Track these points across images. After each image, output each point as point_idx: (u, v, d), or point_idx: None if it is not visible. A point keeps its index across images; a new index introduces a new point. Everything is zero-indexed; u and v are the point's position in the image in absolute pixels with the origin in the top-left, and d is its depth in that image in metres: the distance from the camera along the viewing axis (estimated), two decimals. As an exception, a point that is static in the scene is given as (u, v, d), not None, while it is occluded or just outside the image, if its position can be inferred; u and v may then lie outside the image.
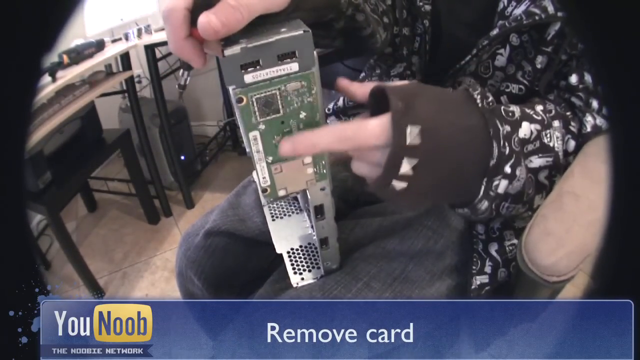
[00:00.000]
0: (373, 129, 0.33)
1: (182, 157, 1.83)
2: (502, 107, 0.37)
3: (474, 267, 0.48)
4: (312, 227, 0.55)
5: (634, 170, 0.12)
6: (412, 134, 0.31)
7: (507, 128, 0.35)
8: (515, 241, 0.47)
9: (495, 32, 0.47)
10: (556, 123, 0.40)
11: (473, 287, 0.48)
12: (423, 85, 0.35)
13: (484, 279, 0.48)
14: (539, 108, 0.41)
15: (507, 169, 0.35)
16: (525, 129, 0.38)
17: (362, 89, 0.40)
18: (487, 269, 0.48)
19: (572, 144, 0.41)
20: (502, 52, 0.50)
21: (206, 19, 0.28)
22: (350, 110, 0.65)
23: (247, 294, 0.64)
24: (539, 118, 0.40)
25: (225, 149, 2.26)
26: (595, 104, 0.42)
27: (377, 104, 0.35)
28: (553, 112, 0.42)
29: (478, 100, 0.35)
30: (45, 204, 1.21)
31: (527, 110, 0.39)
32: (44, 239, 1.67)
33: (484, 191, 0.35)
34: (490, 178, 0.35)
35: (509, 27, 0.46)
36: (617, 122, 0.12)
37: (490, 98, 0.36)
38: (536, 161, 0.39)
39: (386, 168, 0.32)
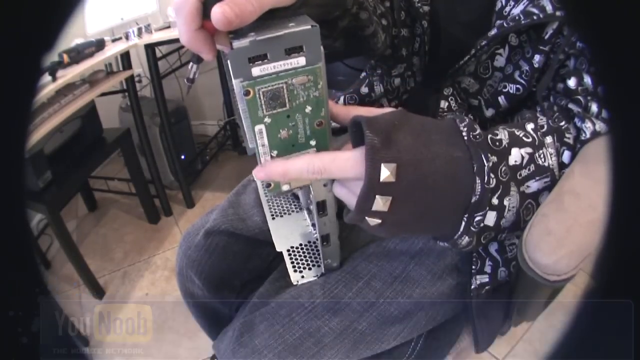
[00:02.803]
0: (345, 164, 0.34)
1: (183, 157, 1.82)
2: (490, 137, 0.36)
3: (473, 267, 0.48)
4: (313, 224, 0.55)
5: (635, 171, 0.12)
6: (387, 172, 0.31)
7: (494, 159, 0.34)
8: (515, 241, 0.47)
9: (493, 32, 0.47)
10: (549, 139, 0.39)
11: (473, 286, 0.48)
12: (408, 115, 0.35)
13: (484, 278, 0.48)
14: (530, 127, 0.40)
15: (494, 201, 0.35)
16: (516, 156, 0.37)
17: (343, 113, 0.40)
18: (487, 269, 0.48)
19: (567, 155, 0.39)
20: (501, 52, 0.50)
21: (220, 10, 0.29)
22: None
23: (247, 293, 0.64)
24: (530, 140, 0.38)
25: (225, 148, 2.26)
26: (594, 107, 0.41)
27: (358, 132, 0.35)
28: (545, 127, 0.40)
29: (464, 133, 0.34)
30: (45, 203, 1.20)
31: (517, 133, 0.38)
32: (44, 239, 1.67)
33: (464, 227, 0.35)
34: (471, 214, 0.34)
35: (507, 28, 0.45)
36: (618, 122, 0.12)
37: (478, 131, 0.35)
38: (534, 185, 0.38)
39: (358, 204, 0.32)
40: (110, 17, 1.61)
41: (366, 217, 0.33)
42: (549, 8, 0.42)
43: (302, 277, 0.50)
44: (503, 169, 0.35)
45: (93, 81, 1.39)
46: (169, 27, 1.66)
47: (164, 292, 1.44)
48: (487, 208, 0.34)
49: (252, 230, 0.60)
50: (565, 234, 0.35)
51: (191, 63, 0.41)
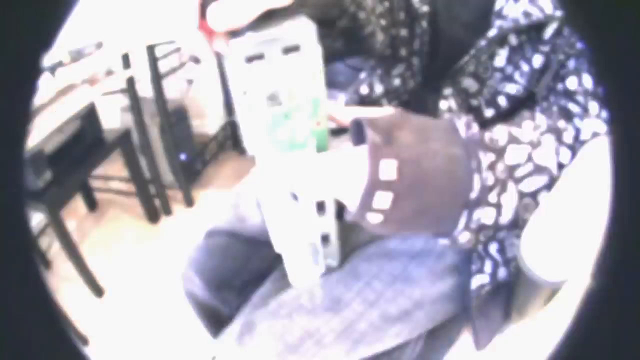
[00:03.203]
0: (346, 162, 0.34)
1: (183, 156, 1.82)
2: (487, 135, 0.36)
3: (473, 267, 0.49)
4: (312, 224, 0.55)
5: (635, 171, 0.12)
6: (388, 169, 0.31)
7: (492, 157, 0.35)
8: (515, 241, 0.47)
9: (493, 32, 0.47)
10: (547, 138, 0.39)
11: (473, 286, 0.48)
12: (407, 115, 0.35)
13: (484, 278, 0.48)
14: (528, 126, 0.39)
15: (492, 199, 0.35)
16: (513, 154, 0.37)
17: (342, 113, 0.40)
18: (487, 269, 0.48)
19: (567, 154, 0.39)
20: (500, 52, 0.50)
21: (215, 10, 0.29)
22: None
23: (248, 292, 0.64)
24: (527, 140, 0.38)
25: (225, 148, 2.26)
26: (594, 107, 0.41)
27: (359, 132, 0.35)
28: (543, 126, 0.40)
29: (461, 131, 0.35)
30: (45, 203, 1.21)
31: (515, 132, 0.38)
32: (44, 238, 1.67)
33: (464, 223, 0.35)
34: (471, 210, 0.34)
35: (506, 28, 0.45)
36: (618, 122, 0.12)
37: (475, 129, 0.35)
38: (532, 184, 0.37)
39: (360, 201, 0.32)
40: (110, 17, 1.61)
41: (368, 215, 0.33)
42: (548, 8, 0.42)
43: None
44: (500, 167, 0.35)
45: (93, 81, 1.39)
46: (169, 27, 1.66)
47: (164, 292, 1.44)
48: (486, 205, 0.35)
49: (252, 231, 0.60)
50: (565, 236, 0.35)
51: (190, 63, 0.41)
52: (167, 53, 1.77)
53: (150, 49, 1.51)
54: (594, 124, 0.40)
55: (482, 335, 0.50)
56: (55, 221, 1.25)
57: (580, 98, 0.42)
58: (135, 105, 1.54)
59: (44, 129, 1.15)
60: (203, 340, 1.24)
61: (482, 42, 0.48)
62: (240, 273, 0.64)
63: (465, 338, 0.56)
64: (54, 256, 1.64)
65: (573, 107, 0.42)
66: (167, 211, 1.82)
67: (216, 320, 0.69)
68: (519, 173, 0.37)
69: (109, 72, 1.47)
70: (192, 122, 2.00)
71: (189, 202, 1.85)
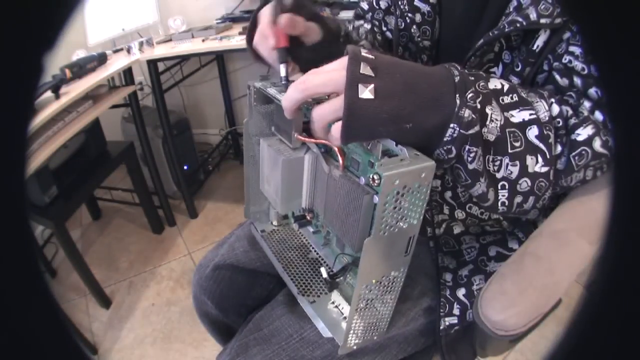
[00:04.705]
0: (328, 65, 0.37)
1: (185, 167, 1.84)
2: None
3: (442, 310, 0.53)
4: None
5: (636, 174, 0.12)
6: (365, 51, 0.35)
7: (470, 78, 0.36)
8: (483, 286, 0.50)
9: (479, 42, 0.47)
10: (532, 94, 0.40)
11: (442, 327, 0.52)
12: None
13: (452, 320, 0.52)
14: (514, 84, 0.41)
15: (472, 102, 0.35)
16: (496, 82, 0.38)
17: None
18: (456, 312, 0.52)
19: (557, 109, 0.39)
20: (495, 70, 0.50)
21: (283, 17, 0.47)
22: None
23: (253, 315, 0.68)
24: (510, 83, 0.39)
25: (227, 157, 2.27)
26: (586, 103, 0.41)
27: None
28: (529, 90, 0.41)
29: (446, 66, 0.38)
30: (52, 219, 1.22)
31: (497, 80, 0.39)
32: (49, 247, 1.69)
33: (460, 101, 0.35)
34: (461, 92, 0.35)
35: (491, 36, 0.45)
36: (619, 123, 0.12)
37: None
38: (518, 115, 0.37)
39: (349, 70, 0.33)
40: (112, 28, 1.63)
41: (359, 86, 0.33)
42: (532, 16, 0.42)
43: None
44: (481, 84, 0.37)
45: (96, 96, 1.40)
46: (170, 40, 1.67)
47: (169, 303, 1.46)
48: (473, 91, 0.36)
49: (254, 263, 0.64)
50: (518, 295, 0.37)
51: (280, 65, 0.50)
52: (171, 66, 1.78)
53: (153, 64, 1.52)
54: (589, 105, 0.40)
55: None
56: (61, 234, 1.26)
57: (572, 94, 0.43)
58: (139, 118, 1.55)
59: (49, 146, 1.16)
60: (208, 350, 1.26)
61: (469, 54, 0.48)
62: (245, 299, 0.68)
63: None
64: (59, 265, 1.66)
65: (568, 98, 0.43)
66: (171, 221, 1.83)
67: (228, 335, 0.74)
68: (503, 100, 0.37)
69: (112, 87, 1.49)
70: (194, 130, 2.01)
71: (192, 212, 1.86)
